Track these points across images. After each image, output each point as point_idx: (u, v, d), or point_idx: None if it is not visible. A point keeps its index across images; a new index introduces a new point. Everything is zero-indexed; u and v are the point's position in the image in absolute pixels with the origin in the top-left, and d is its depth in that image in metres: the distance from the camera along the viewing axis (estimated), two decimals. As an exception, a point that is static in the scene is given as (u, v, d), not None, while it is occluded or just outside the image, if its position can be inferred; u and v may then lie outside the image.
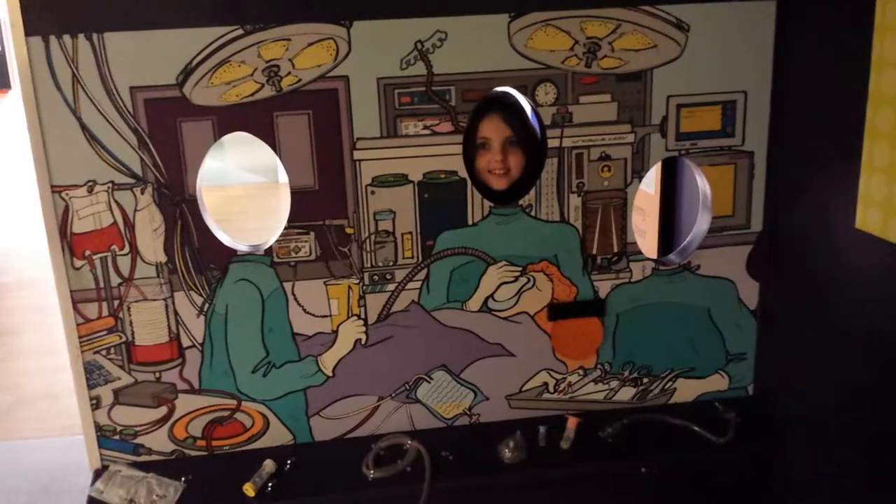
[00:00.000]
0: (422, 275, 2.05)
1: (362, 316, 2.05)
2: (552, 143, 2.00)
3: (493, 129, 2.03)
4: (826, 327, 1.92)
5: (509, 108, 2.04)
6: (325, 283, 2.01)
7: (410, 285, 2.05)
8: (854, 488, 1.86)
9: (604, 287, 2.12)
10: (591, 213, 2.07)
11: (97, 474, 2.01)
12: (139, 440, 2.05)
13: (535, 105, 1.97)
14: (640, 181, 2.06)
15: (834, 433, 1.93)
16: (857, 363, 1.81)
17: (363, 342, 2.07)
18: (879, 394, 1.75)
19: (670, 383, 2.23)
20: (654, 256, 2.46)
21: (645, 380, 2.22)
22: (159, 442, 2.06)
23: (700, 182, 2.12)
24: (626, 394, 2.23)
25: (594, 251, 2.09)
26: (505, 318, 2.11)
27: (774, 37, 1.99)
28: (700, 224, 2.14)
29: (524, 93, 1.96)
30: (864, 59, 1.67)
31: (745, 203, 2.11)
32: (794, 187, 2.01)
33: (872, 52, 1.66)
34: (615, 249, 2.10)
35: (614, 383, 2.21)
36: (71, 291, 1.92)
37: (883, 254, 1.68)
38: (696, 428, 2.12)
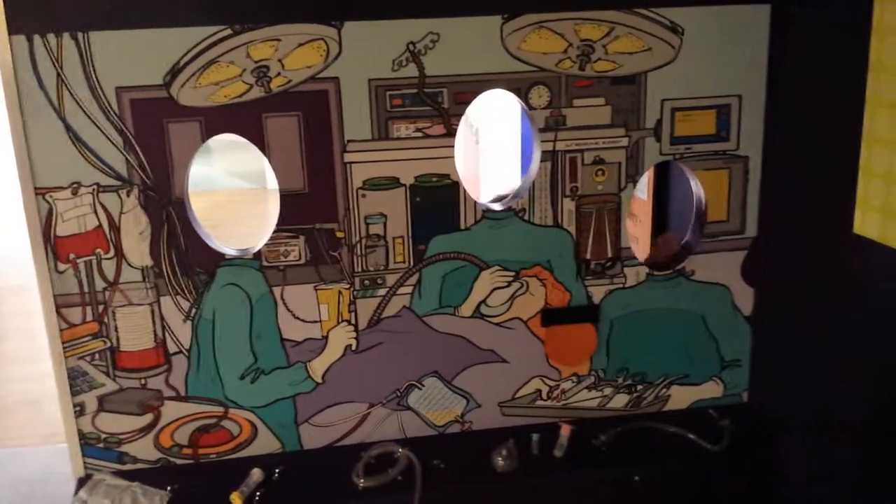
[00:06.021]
0: (413, 279, 2.02)
1: (353, 321, 2.02)
2: (546, 146, 1.97)
3: None
4: (822, 333, 1.90)
5: None
6: (314, 287, 1.98)
7: (402, 290, 2.02)
8: (849, 495, 1.84)
9: (598, 293, 2.10)
10: (585, 217, 2.04)
11: (81, 483, 1.97)
12: (124, 448, 2.01)
13: (529, 108, 1.95)
14: (634, 185, 2.04)
15: (829, 440, 1.91)
16: (853, 369, 1.79)
17: (354, 348, 2.03)
18: (875, 400, 1.73)
19: (664, 390, 2.21)
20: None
21: (639, 387, 2.19)
22: (145, 450, 2.02)
23: (694, 187, 2.10)
24: (620, 401, 2.20)
25: (588, 256, 2.07)
26: (498, 324, 2.08)
27: (769, 40, 1.98)
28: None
29: (518, 95, 1.93)
30: (862, 62, 1.66)
31: (739, 208, 2.09)
32: (789, 192, 1.99)
33: (870, 55, 1.64)
34: (609, 254, 2.08)
35: (608, 390, 2.18)
36: (54, 296, 1.88)
37: (881, 258, 1.66)
38: (690, 435, 2.10)
